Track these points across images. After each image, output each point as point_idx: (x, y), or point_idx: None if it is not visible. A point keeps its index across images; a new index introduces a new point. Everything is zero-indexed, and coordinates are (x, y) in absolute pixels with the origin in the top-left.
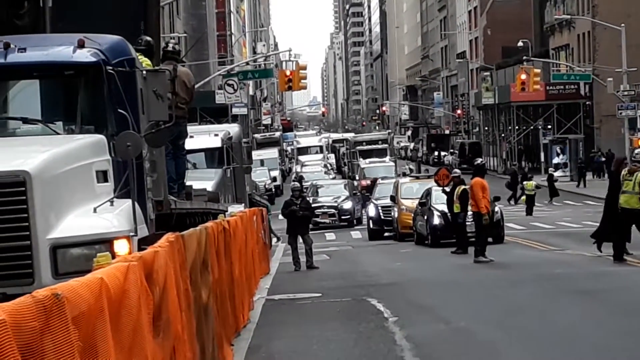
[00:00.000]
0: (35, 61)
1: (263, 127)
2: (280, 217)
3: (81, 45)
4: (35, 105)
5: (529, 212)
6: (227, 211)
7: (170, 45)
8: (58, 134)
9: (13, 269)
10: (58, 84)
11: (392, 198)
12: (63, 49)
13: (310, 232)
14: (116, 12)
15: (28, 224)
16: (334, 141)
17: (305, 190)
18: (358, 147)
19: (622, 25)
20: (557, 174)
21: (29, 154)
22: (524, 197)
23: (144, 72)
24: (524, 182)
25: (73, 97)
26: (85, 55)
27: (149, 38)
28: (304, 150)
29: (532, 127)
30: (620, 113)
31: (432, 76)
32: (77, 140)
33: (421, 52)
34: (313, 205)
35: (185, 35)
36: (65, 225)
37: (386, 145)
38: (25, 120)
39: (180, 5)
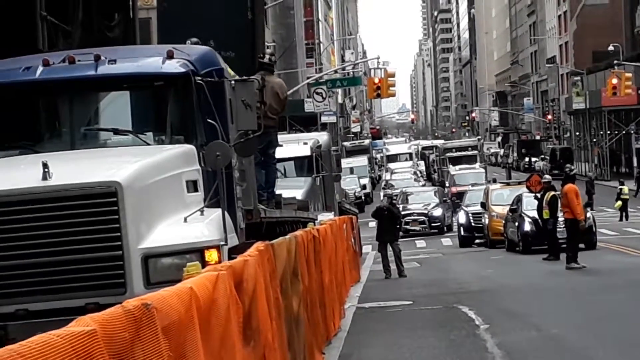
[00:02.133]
0: (125, 73)
1: (352, 135)
2: (371, 224)
3: (170, 56)
4: (126, 116)
5: (625, 217)
6: (316, 219)
7: (267, 57)
8: (148, 144)
9: (105, 279)
10: (148, 95)
11: (483, 205)
12: (152, 60)
13: (400, 240)
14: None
15: (120, 234)
16: (424, 148)
17: (395, 197)
18: (448, 154)
19: None
20: None
21: (120, 164)
22: (619, 203)
23: (233, 82)
24: (620, 187)
25: (163, 108)
26: (174, 66)
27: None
28: (393, 158)
29: (624, 132)
30: None
31: (521, 81)
32: (167, 151)
33: (510, 58)
34: (403, 213)
35: (274, 44)
36: (156, 235)
37: (476, 151)
38: (116, 131)
39: (269, 15)
